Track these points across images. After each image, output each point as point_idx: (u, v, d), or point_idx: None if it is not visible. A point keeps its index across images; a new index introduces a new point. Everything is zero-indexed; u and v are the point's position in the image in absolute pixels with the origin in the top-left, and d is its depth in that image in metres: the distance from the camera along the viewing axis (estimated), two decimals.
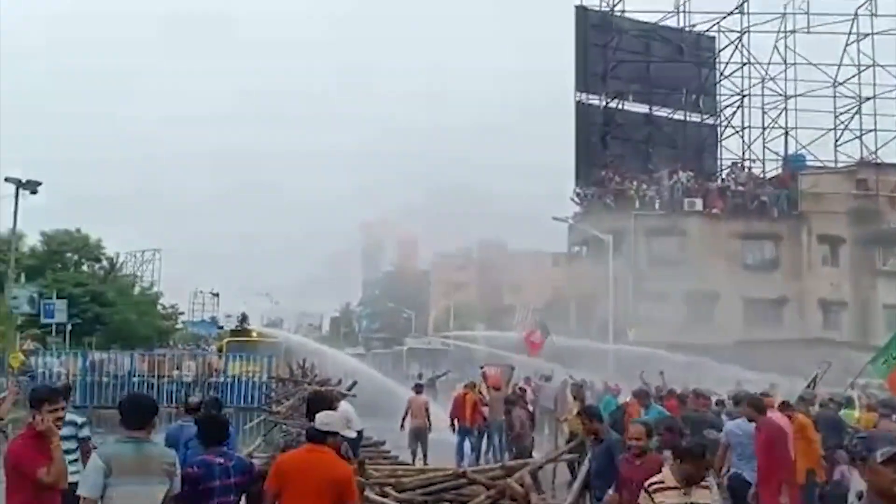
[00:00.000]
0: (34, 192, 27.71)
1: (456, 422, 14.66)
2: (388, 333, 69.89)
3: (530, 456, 12.14)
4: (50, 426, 4.77)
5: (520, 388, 14.09)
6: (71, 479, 4.90)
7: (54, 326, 34.94)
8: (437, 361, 35.57)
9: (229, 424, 5.40)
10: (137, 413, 4.55)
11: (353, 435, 5.42)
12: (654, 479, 5.08)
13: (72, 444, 6.20)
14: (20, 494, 4.68)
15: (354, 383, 19.01)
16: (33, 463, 4.65)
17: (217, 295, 71.96)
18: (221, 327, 62.51)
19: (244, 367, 29.04)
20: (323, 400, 6.54)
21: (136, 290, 51.68)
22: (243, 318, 35.42)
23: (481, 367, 15.51)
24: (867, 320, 34.43)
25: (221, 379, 28.46)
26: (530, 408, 13.06)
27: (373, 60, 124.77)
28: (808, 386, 15.29)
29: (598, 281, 34.05)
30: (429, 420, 14.88)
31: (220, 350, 31.93)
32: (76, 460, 6.17)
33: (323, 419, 4.97)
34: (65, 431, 5.65)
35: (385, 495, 8.49)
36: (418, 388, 16.02)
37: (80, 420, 6.66)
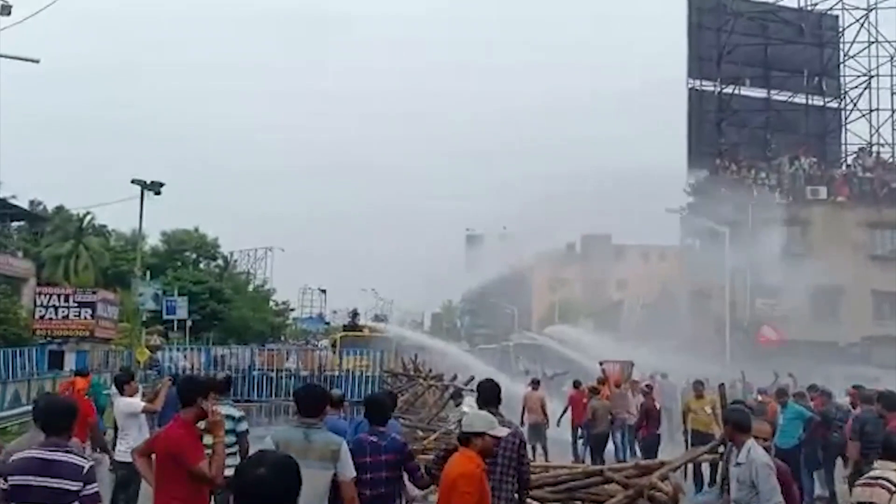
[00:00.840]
0: (158, 192, 28.92)
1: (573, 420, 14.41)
2: (490, 330, 69.75)
3: (656, 454, 11.68)
4: (219, 419, 4.79)
5: (647, 385, 13.56)
6: (227, 472, 4.88)
7: (175, 322, 36.49)
8: (544, 357, 35.06)
9: (390, 408, 6.01)
10: (311, 401, 5.08)
11: (504, 433, 5.13)
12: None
13: (231, 438, 6.17)
14: (175, 485, 4.58)
15: (472, 378, 18.92)
16: (195, 454, 4.61)
17: (325, 291, 73.85)
18: (328, 323, 64.10)
19: (357, 361, 29.45)
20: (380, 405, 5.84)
21: (250, 287, 53.50)
22: (355, 314, 35.99)
23: (601, 363, 15.05)
24: None
25: (336, 373, 28.94)
26: (657, 405, 12.58)
27: (471, 56, 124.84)
28: None
29: (713, 275, 32.77)
30: (546, 416, 14.62)
31: (333, 345, 32.52)
32: (234, 454, 6.18)
33: (465, 420, 4.82)
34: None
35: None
36: (535, 384, 15.78)
37: (237, 414, 6.74)
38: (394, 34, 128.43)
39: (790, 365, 22.32)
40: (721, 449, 8.72)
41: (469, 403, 13.36)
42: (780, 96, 38.72)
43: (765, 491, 5.32)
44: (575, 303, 64.38)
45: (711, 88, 38.05)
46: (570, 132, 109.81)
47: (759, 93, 38.55)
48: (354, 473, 4.97)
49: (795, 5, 38.69)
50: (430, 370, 25.72)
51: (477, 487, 4.68)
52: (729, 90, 37.82)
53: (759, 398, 13.11)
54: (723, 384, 9.37)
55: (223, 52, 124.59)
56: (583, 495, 9.37)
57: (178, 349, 30.62)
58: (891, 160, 36.94)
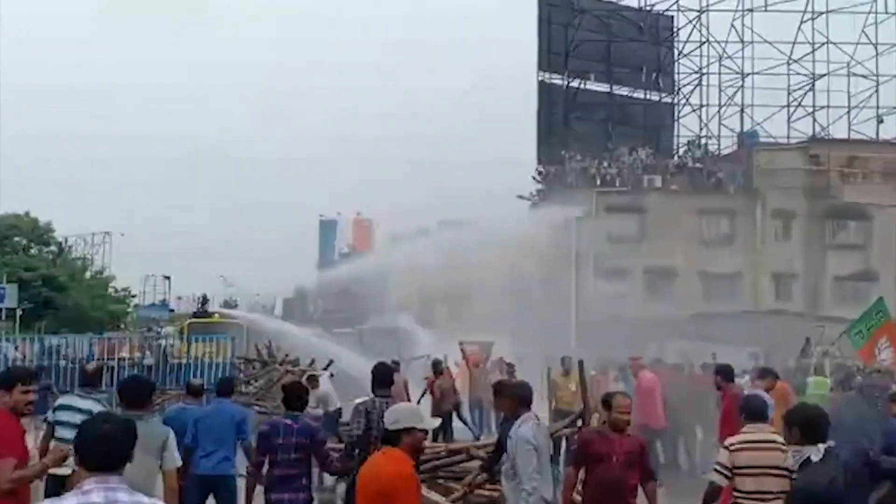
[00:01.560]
0: None
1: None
2: (345, 314, 69.45)
3: None
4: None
5: (508, 364, 14.15)
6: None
7: (3, 311, 33.96)
8: (401, 341, 35.49)
9: (304, 394, 6.45)
10: (134, 393, 5.25)
11: (432, 426, 5.42)
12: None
13: None
14: None
15: (331, 362, 18.85)
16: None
17: (169, 278, 70.72)
18: (173, 310, 61.50)
19: (207, 348, 28.62)
20: (300, 388, 6.67)
21: (87, 273, 50.50)
22: (204, 300, 34.78)
23: (461, 344, 15.52)
24: (817, 292, 35.46)
25: (184, 361, 27.97)
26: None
27: (328, 34, 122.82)
28: (803, 354, 15.83)
29: (561, 260, 34.46)
30: (409, 398, 14.89)
31: (180, 332, 31.37)
32: None
33: (390, 416, 4.43)
34: (77, 419, 5.50)
35: None
36: (395, 366, 15.97)
37: (97, 409, 6.45)
38: (247, 29, 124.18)
39: (629, 342, 23.95)
40: (579, 423, 9.37)
41: (325, 382, 13.42)
42: (621, 91, 41.01)
43: (524, 472, 5.33)
44: (431, 287, 65.21)
45: (560, 82, 39.73)
46: (428, 122, 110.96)
47: (603, 87, 40.63)
48: (179, 463, 5.38)
49: (636, 5, 41.00)
50: (287, 356, 25.44)
51: (417, 487, 4.32)
52: (576, 84, 39.64)
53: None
54: (581, 360, 9.98)
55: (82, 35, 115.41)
56: (446, 473, 9.72)
57: (6, 339, 28.52)
58: (717, 152, 40.13)
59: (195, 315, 32.94)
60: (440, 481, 9.55)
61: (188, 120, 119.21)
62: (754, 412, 5.37)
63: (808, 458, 4.11)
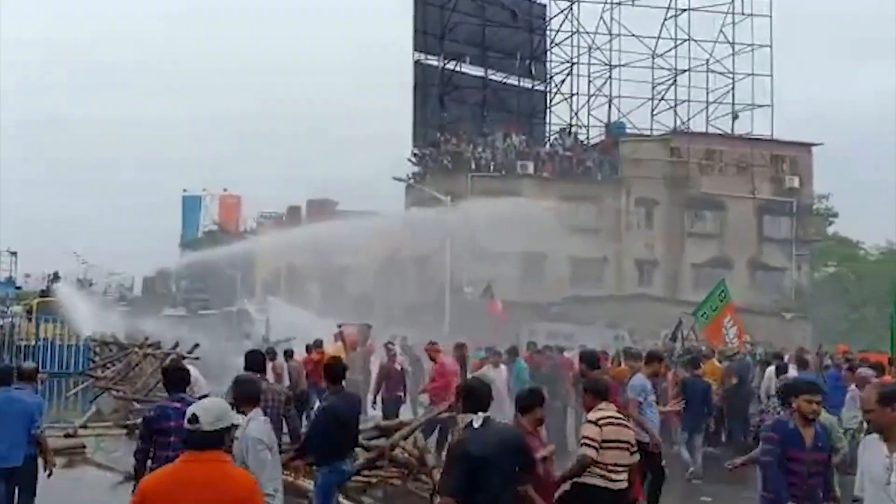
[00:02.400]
0: None
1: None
2: (210, 295, 67.03)
3: (397, 415, 12.02)
4: None
5: (387, 345, 13.85)
6: None
7: None
8: (270, 323, 34.51)
9: (187, 375, 6.28)
10: None
11: (239, 422, 4.95)
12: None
13: None
14: None
15: (196, 346, 18.04)
16: None
17: (15, 254, 65.66)
18: (20, 287, 57.22)
19: (57, 329, 26.76)
20: (182, 371, 6.42)
21: None
22: (55, 277, 32.45)
23: (339, 326, 15.11)
24: (677, 278, 37.38)
25: (31, 342, 25.99)
26: (398, 367, 12.90)
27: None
28: (673, 339, 16.41)
29: (436, 242, 34.49)
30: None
31: (28, 312, 29.12)
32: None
33: (206, 416, 3.53)
34: None
35: None
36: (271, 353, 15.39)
37: None
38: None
39: (501, 325, 24.31)
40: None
41: (191, 367, 12.63)
42: (496, 76, 41.40)
43: (260, 474, 4.89)
44: (301, 267, 63.96)
45: (435, 63, 39.62)
46: (303, 98, 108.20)
47: (478, 71, 40.85)
48: None
49: None
50: (147, 338, 24.11)
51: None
52: (451, 66, 39.65)
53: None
54: (462, 344, 9.88)
55: None
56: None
57: None
58: (586, 141, 41.35)
59: (43, 294, 30.70)
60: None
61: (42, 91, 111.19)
62: (601, 391, 5.72)
63: (471, 422, 4.60)
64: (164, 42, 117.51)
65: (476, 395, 4.65)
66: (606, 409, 5.57)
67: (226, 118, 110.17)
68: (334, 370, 6.82)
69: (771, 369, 12.48)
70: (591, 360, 7.90)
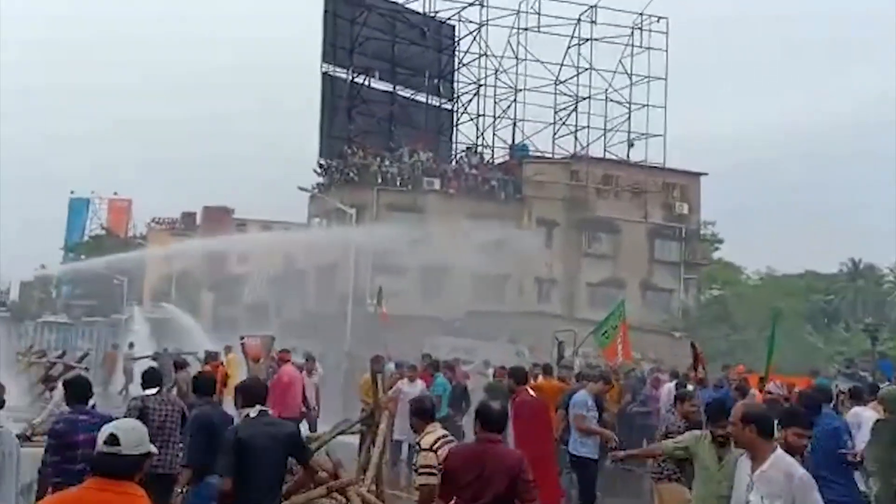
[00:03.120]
0: None
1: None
2: (94, 301, 64.12)
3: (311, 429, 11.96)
4: None
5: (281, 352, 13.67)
6: None
7: None
8: (161, 332, 33.40)
9: (90, 387, 6.16)
10: None
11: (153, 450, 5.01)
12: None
13: None
14: None
15: (86, 354, 17.42)
16: None
17: None
18: None
19: None
20: (85, 380, 6.40)
21: None
22: None
23: (241, 338, 14.84)
24: (573, 296, 38.61)
25: None
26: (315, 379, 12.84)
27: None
28: (561, 355, 16.95)
29: (339, 252, 34.36)
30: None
31: None
32: None
33: (128, 438, 3.15)
34: None
35: None
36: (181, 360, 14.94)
37: None
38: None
39: (403, 338, 24.44)
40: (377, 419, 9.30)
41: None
42: (404, 92, 41.70)
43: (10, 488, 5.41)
44: (193, 275, 62.10)
45: (344, 76, 39.56)
46: (205, 102, 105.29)
47: (386, 86, 41.00)
48: None
49: (421, 10, 41.88)
50: (31, 346, 23.05)
51: None
52: (360, 80, 39.69)
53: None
54: (378, 356, 10.00)
55: None
56: None
57: None
58: (491, 161, 42.23)
59: None
60: None
61: None
62: (427, 411, 5.72)
63: (248, 414, 5.41)
64: (63, 40, 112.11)
65: (250, 392, 5.54)
66: (435, 431, 5.53)
67: (125, 123, 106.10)
68: (203, 384, 7.21)
69: (670, 385, 13.21)
70: (519, 375, 8.17)
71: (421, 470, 5.39)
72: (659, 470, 7.17)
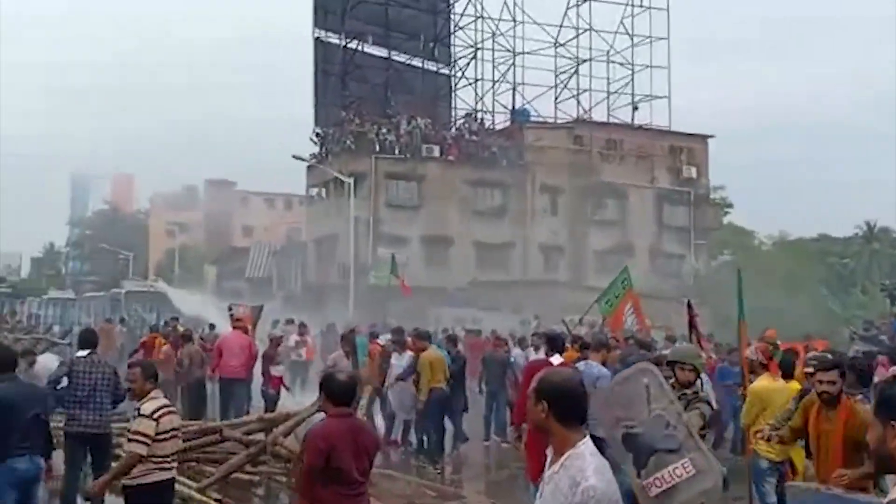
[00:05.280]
0: None
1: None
2: (101, 276, 64.06)
3: (274, 407, 11.35)
4: None
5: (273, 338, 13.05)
6: None
7: None
8: (160, 306, 32.92)
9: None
10: None
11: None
12: None
13: None
14: None
15: (69, 331, 16.97)
16: None
17: None
18: None
19: None
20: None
21: None
22: None
23: (229, 308, 14.22)
24: (580, 264, 37.68)
25: None
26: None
27: None
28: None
29: (339, 223, 33.65)
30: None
31: None
32: None
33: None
34: None
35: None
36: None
37: None
38: None
39: (406, 309, 23.78)
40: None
41: (42, 361, 11.49)
42: (399, 57, 40.49)
43: None
44: (197, 249, 61.73)
45: (336, 41, 38.41)
46: (200, 74, 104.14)
47: (381, 52, 39.76)
48: None
49: None
50: (20, 321, 22.76)
51: None
52: (353, 45, 38.54)
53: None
54: (353, 329, 9.28)
55: None
56: (198, 455, 8.62)
57: None
58: (491, 126, 41.09)
59: None
60: (192, 464, 8.47)
61: None
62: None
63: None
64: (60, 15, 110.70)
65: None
66: (158, 399, 5.47)
67: (120, 95, 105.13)
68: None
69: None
70: (557, 344, 7.78)
71: (132, 436, 5.29)
72: None
